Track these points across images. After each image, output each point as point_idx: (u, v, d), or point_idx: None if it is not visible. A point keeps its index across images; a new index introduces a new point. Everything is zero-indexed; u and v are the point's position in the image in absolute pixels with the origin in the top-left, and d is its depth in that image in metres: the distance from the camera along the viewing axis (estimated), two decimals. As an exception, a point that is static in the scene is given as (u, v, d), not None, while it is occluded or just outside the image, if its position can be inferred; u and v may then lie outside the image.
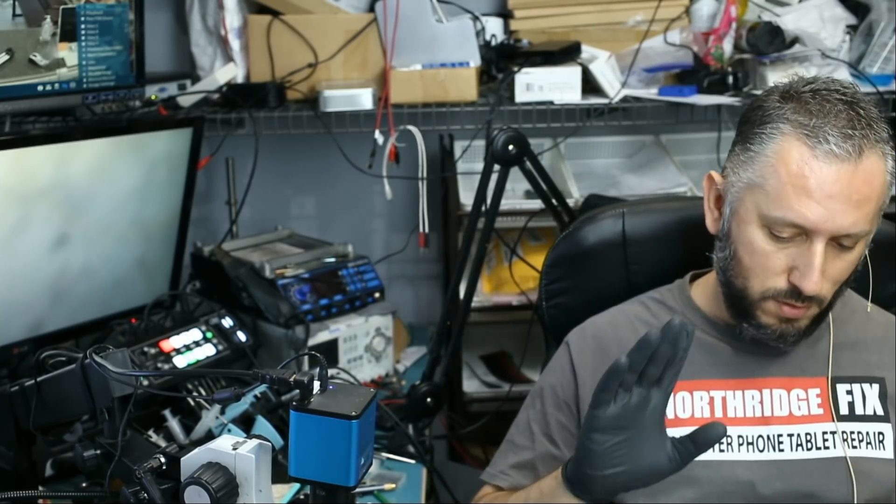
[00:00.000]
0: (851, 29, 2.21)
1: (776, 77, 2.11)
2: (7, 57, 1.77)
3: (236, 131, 2.21)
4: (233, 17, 2.26)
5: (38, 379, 1.37)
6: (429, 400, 1.90)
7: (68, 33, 1.87)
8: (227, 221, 2.42)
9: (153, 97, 2.17)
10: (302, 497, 1.60)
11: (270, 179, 2.53)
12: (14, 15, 1.76)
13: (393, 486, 1.71)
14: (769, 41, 2.10)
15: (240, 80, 2.27)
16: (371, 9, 2.25)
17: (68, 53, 1.89)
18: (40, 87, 1.85)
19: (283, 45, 2.24)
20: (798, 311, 1.30)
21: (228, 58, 2.28)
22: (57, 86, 1.88)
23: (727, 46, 2.18)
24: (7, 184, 1.74)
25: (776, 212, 1.25)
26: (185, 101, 2.21)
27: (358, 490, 1.19)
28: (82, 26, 1.90)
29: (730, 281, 1.35)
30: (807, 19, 2.13)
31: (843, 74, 2.13)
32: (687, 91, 2.13)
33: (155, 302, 2.05)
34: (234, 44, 2.27)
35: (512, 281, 2.18)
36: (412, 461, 1.81)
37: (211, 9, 2.28)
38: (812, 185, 1.23)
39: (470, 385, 2.43)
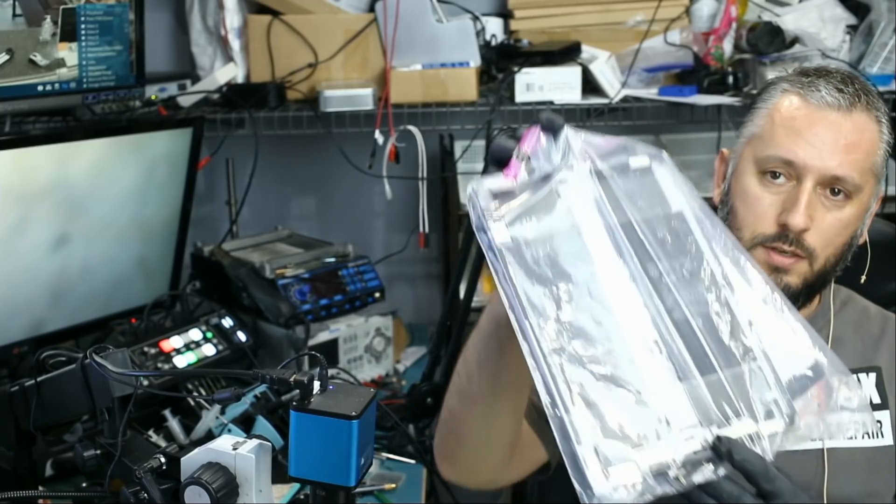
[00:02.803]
0: (851, 29, 2.21)
1: (776, 77, 2.11)
2: (7, 57, 1.77)
3: (236, 131, 2.21)
4: (233, 17, 2.26)
5: (38, 379, 1.37)
6: (429, 400, 1.90)
7: (68, 33, 1.87)
8: (227, 221, 2.42)
9: (153, 97, 2.17)
10: (302, 497, 1.60)
11: (270, 179, 2.53)
12: (14, 15, 1.76)
13: (393, 486, 1.71)
14: (769, 41, 2.10)
15: (240, 80, 2.28)
16: (371, 9, 2.25)
17: (68, 53, 1.89)
18: (40, 87, 1.85)
19: (283, 45, 2.24)
20: (786, 259, 1.31)
21: (228, 58, 2.28)
22: (57, 86, 1.89)
23: (727, 46, 2.18)
24: (7, 184, 1.74)
25: (768, 151, 1.31)
26: (185, 101, 2.21)
27: (358, 490, 1.19)
28: (82, 26, 1.90)
29: None
30: (807, 19, 2.13)
31: (843, 74, 2.13)
32: (687, 91, 2.13)
33: (155, 302, 2.05)
34: (234, 44, 2.27)
35: (512, 281, 2.18)
36: (412, 461, 1.81)
37: (211, 9, 2.28)
38: (802, 124, 1.29)
39: (470, 385, 2.42)
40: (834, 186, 1.28)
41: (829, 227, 1.30)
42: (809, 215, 1.28)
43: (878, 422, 1.36)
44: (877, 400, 1.37)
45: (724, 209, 1.38)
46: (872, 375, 1.38)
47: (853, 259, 1.51)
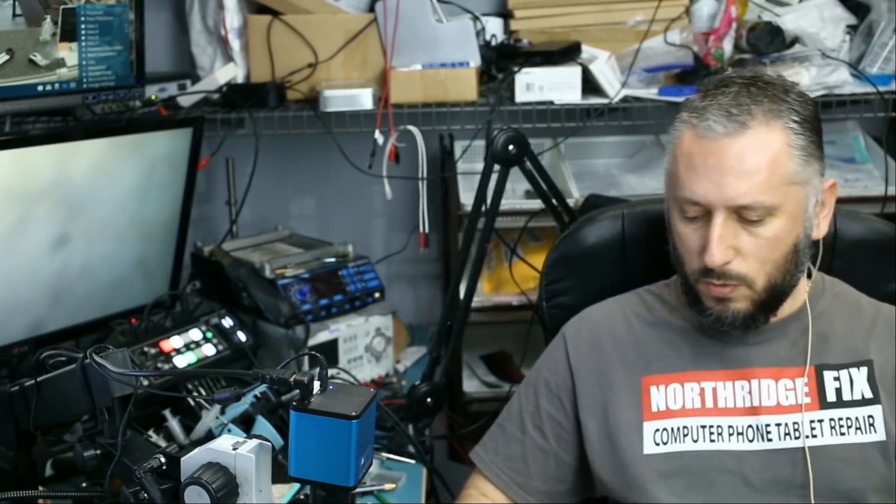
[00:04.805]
0: (851, 29, 2.21)
1: (776, 77, 2.11)
2: (7, 57, 1.77)
3: (236, 131, 2.21)
4: (233, 17, 2.26)
5: (38, 379, 1.37)
6: (429, 400, 1.90)
7: (68, 33, 1.87)
8: (227, 221, 2.42)
9: (153, 97, 2.17)
10: (302, 497, 1.60)
11: (270, 179, 2.53)
12: (14, 15, 1.76)
13: (393, 486, 1.71)
14: (769, 41, 2.10)
15: (240, 80, 2.27)
16: (371, 9, 2.25)
17: (68, 53, 1.89)
18: (40, 87, 1.85)
19: (283, 45, 2.24)
20: (722, 289, 1.32)
21: (228, 58, 2.28)
22: (57, 86, 1.89)
23: (727, 46, 2.18)
24: (7, 184, 1.74)
25: (678, 192, 1.33)
26: (185, 101, 2.21)
27: (358, 490, 1.19)
28: (82, 26, 1.90)
29: (677, 269, 1.41)
30: (807, 19, 2.12)
31: (843, 74, 2.13)
32: (687, 91, 2.12)
33: (155, 302, 2.05)
34: (234, 44, 2.27)
35: (512, 281, 2.18)
36: (412, 461, 1.81)
37: (211, 9, 2.28)
38: (697, 161, 1.29)
39: (470, 385, 2.43)
40: (746, 214, 1.28)
41: (757, 249, 1.30)
42: (729, 247, 1.29)
43: (870, 416, 1.36)
44: (868, 395, 1.37)
45: (669, 243, 1.41)
46: (864, 370, 1.38)
47: (852, 255, 1.51)
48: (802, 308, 1.41)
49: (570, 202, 2.10)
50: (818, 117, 1.34)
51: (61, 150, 1.82)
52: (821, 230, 1.37)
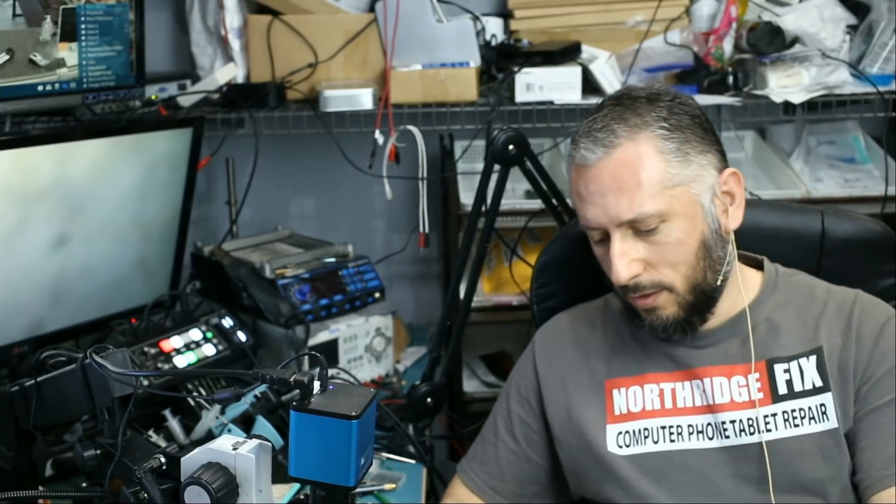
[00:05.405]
0: (851, 29, 2.21)
1: (776, 77, 2.11)
2: (7, 57, 1.77)
3: (236, 131, 2.21)
4: (233, 17, 2.26)
5: (38, 379, 1.37)
6: (429, 400, 1.90)
7: (68, 33, 1.87)
8: (227, 221, 2.42)
9: (153, 97, 2.17)
10: (302, 497, 1.60)
11: (270, 179, 2.53)
12: (14, 15, 1.76)
13: (393, 486, 1.71)
14: (769, 41, 2.10)
15: (240, 80, 2.28)
16: (371, 9, 2.25)
17: (68, 53, 1.89)
18: (40, 87, 1.85)
19: (283, 45, 2.24)
20: (645, 301, 1.36)
21: (228, 58, 2.28)
22: (57, 86, 1.89)
23: (727, 46, 2.18)
24: (7, 184, 1.74)
25: (580, 220, 1.39)
26: (185, 101, 2.21)
27: (358, 490, 1.19)
28: (82, 26, 1.90)
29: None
30: (807, 19, 2.13)
31: (843, 74, 2.13)
32: (687, 91, 2.12)
33: (155, 302, 2.05)
34: (234, 44, 2.27)
35: (512, 281, 2.19)
36: (412, 461, 1.81)
37: (211, 9, 2.28)
38: (581, 189, 1.35)
39: (470, 385, 2.43)
40: (638, 226, 1.31)
41: (662, 256, 1.33)
42: (634, 261, 1.33)
43: (822, 405, 1.36)
44: (819, 383, 1.37)
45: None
46: (813, 358, 1.38)
47: (841, 254, 1.51)
48: (749, 304, 1.42)
49: (570, 202, 2.10)
50: (699, 116, 1.36)
51: (61, 150, 1.82)
52: (733, 220, 1.38)
